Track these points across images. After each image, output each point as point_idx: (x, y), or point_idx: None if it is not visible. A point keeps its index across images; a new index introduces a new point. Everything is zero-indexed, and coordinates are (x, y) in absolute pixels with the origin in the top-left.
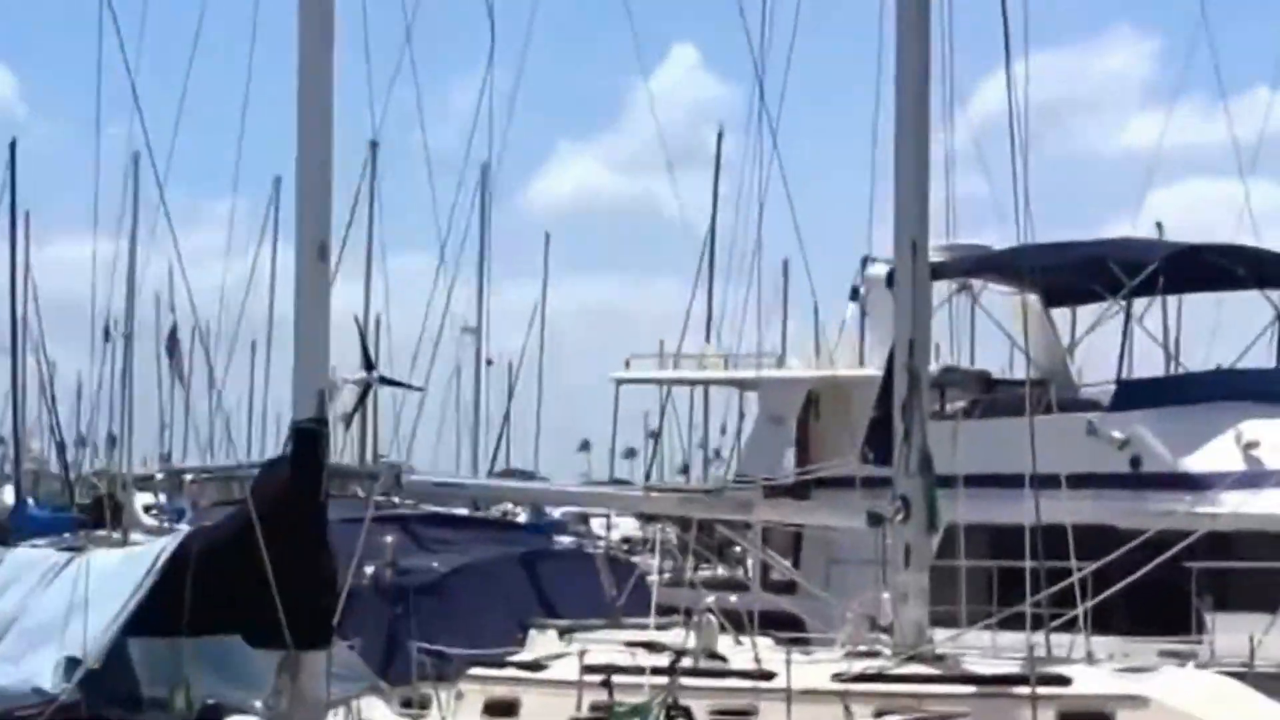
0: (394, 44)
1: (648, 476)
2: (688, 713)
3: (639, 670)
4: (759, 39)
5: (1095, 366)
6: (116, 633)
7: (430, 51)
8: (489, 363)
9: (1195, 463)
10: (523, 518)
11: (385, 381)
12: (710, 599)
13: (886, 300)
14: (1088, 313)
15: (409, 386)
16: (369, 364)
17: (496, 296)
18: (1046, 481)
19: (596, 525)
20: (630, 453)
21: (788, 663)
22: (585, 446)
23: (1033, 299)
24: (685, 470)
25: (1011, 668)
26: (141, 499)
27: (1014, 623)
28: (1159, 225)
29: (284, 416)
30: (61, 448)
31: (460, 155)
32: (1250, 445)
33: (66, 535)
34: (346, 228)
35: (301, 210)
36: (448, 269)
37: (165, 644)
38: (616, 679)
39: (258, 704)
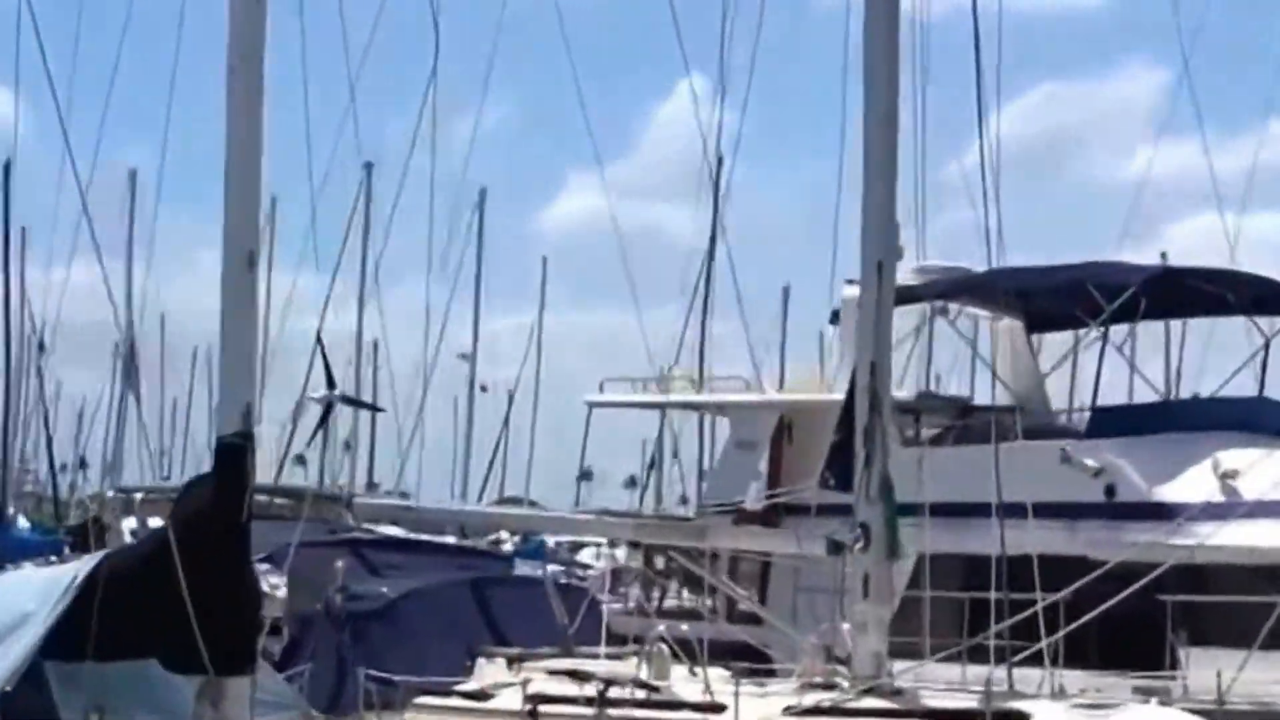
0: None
1: (641, 503)
2: None
3: (575, 701)
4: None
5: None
6: (29, 655)
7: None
8: (483, 389)
9: (1170, 492)
10: (508, 546)
11: (347, 401)
12: (661, 628)
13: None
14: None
15: (369, 407)
16: (330, 382)
17: (505, 323)
18: (1017, 510)
19: (588, 555)
20: (631, 482)
21: (735, 695)
22: (587, 476)
23: (1014, 324)
24: (684, 500)
25: (972, 702)
26: (128, 523)
27: (982, 655)
28: (1163, 255)
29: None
30: (53, 470)
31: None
32: (1228, 475)
33: (53, 558)
34: (341, 249)
35: (229, 218)
36: (443, 295)
37: (85, 668)
38: (550, 710)
39: None
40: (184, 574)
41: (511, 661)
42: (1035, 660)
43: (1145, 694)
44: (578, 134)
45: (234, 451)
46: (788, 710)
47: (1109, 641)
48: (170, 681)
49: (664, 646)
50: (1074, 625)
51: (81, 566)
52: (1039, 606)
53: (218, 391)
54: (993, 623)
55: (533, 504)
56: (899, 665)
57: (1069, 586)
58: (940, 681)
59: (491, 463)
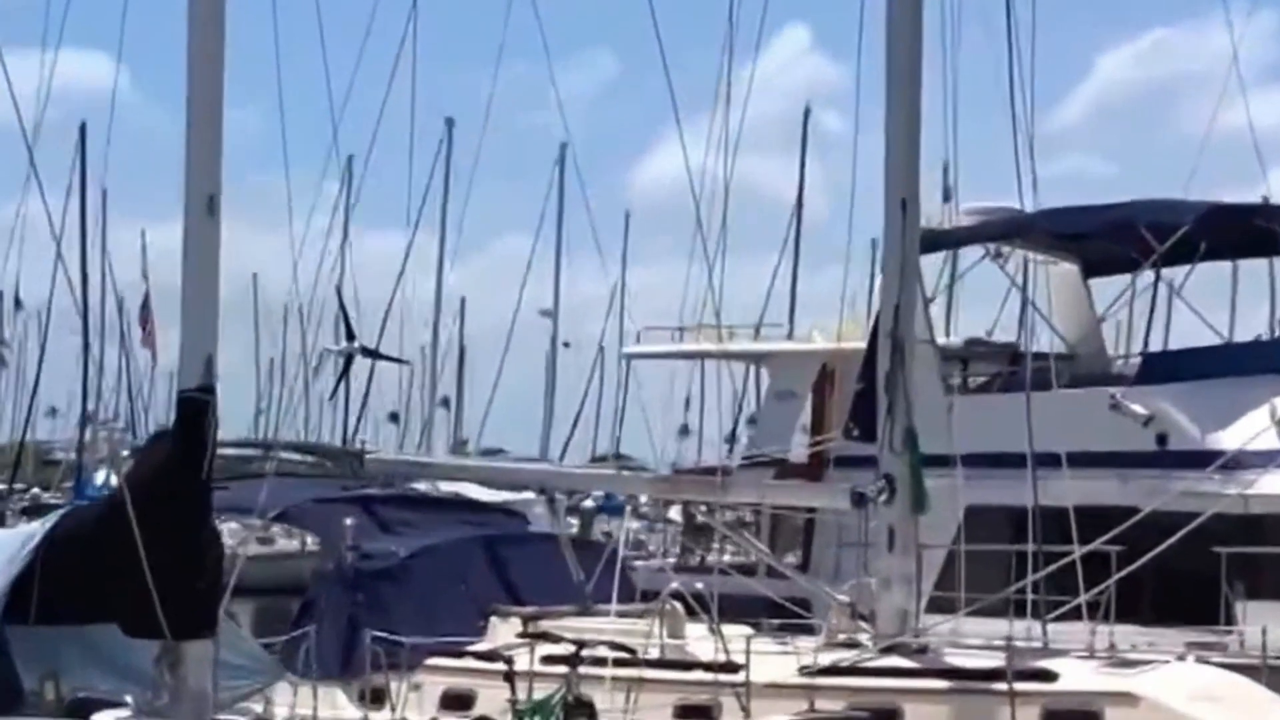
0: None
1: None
2: (590, 708)
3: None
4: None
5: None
6: None
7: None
8: (565, 345)
9: (1225, 439)
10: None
11: (367, 353)
12: (675, 584)
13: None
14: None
15: (393, 359)
16: (350, 334)
17: (602, 281)
18: (1068, 460)
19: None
20: (684, 430)
21: (746, 654)
22: (685, 431)
23: (1069, 268)
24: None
25: (998, 661)
26: None
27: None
28: (1264, 199)
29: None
30: (133, 427)
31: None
32: None
33: None
34: (420, 205)
35: (189, 161)
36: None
37: (42, 632)
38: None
39: (128, 698)
40: (140, 534)
41: (526, 621)
42: (1074, 615)
43: (1199, 649)
44: (676, 88)
45: (195, 406)
46: (804, 669)
47: (1163, 595)
48: (133, 645)
49: (678, 604)
50: (1112, 580)
51: (41, 527)
52: (1075, 556)
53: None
54: (1029, 576)
55: (627, 460)
56: (933, 621)
57: (1120, 538)
58: (984, 638)
59: (577, 420)
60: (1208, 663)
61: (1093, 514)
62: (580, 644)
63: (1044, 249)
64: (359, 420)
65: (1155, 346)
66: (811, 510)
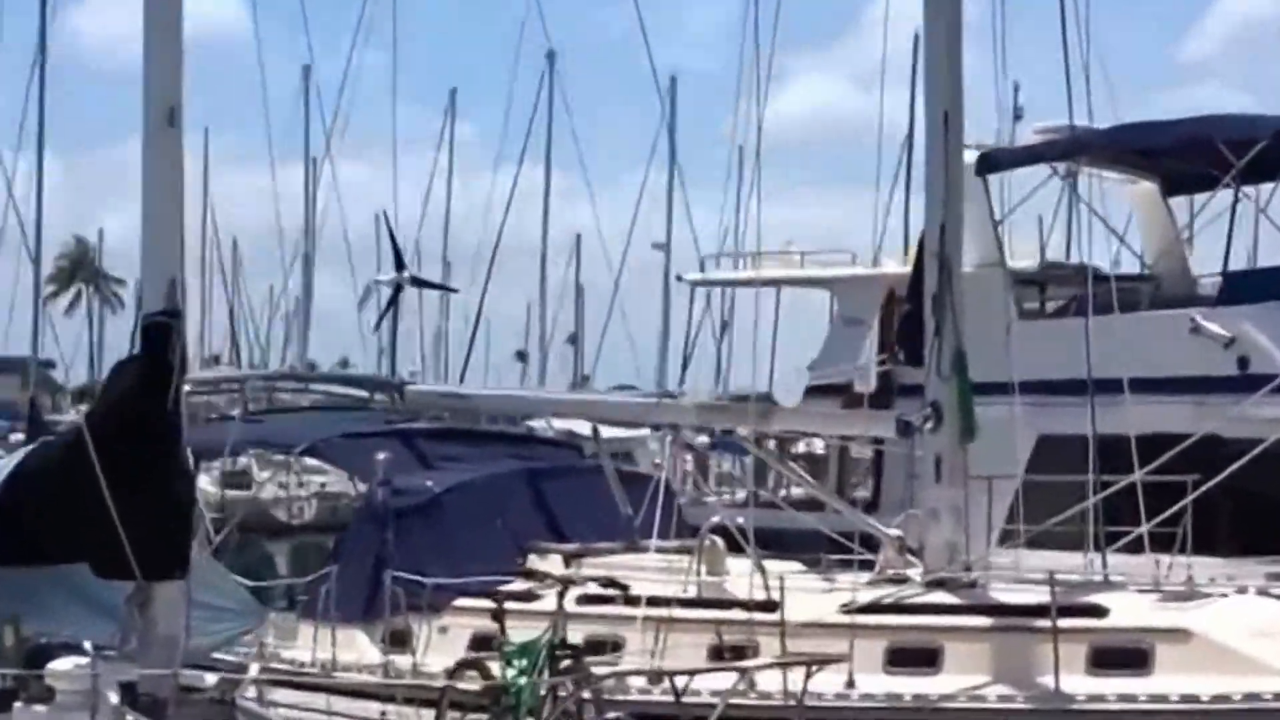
0: None
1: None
2: (576, 651)
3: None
4: None
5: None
6: None
7: None
8: (679, 278)
9: None
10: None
11: (417, 282)
12: (715, 519)
13: (976, 189)
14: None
15: (442, 288)
16: (399, 264)
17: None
18: (1142, 386)
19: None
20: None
21: (781, 590)
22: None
23: (1149, 187)
24: None
25: (1047, 595)
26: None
27: (1112, 543)
28: None
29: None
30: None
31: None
32: None
33: None
34: (525, 140)
35: (148, 70)
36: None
37: (12, 574)
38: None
39: (87, 644)
40: (104, 468)
41: (569, 559)
42: (1164, 546)
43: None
44: (798, 23)
45: (159, 331)
46: (844, 607)
47: (1243, 525)
48: (110, 588)
49: (718, 540)
50: (1177, 507)
51: (7, 463)
52: (1130, 481)
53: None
54: (1089, 505)
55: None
56: (985, 555)
57: (1201, 467)
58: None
59: (688, 356)
60: (1271, 595)
61: (1168, 442)
62: (567, 581)
63: (1118, 167)
64: (466, 358)
65: (1239, 266)
66: (879, 440)
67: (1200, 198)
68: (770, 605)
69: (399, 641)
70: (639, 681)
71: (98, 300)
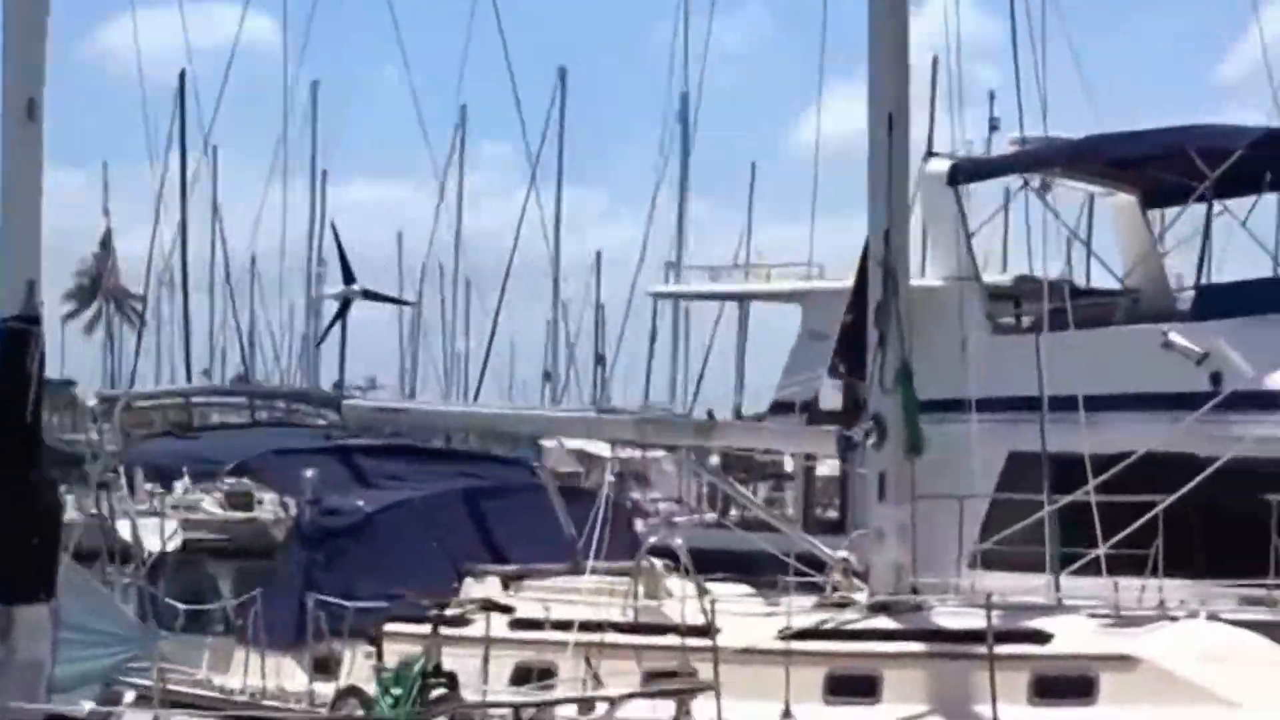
0: None
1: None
2: (452, 679)
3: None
4: None
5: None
6: None
7: None
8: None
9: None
10: None
11: (369, 295)
12: (652, 540)
13: (948, 200)
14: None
15: (394, 300)
16: (348, 276)
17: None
18: (1114, 402)
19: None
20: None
21: (709, 614)
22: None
23: (1127, 199)
24: None
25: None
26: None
27: (1084, 567)
28: None
29: None
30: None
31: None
32: None
33: None
34: (538, 153)
35: (7, 61)
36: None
37: None
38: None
39: None
40: None
41: (506, 581)
42: (1135, 568)
43: (1251, 604)
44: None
45: (15, 338)
46: (781, 633)
47: (1217, 547)
48: None
49: (656, 563)
50: (1129, 530)
51: None
52: (1073, 496)
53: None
54: (1048, 527)
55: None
56: (930, 579)
57: (1175, 486)
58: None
59: (701, 375)
60: (1223, 620)
61: (1142, 460)
62: (443, 607)
63: (1095, 179)
64: (480, 378)
65: (1220, 281)
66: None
67: (1183, 209)
68: (707, 631)
69: (325, 668)
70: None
71: (118, 318)
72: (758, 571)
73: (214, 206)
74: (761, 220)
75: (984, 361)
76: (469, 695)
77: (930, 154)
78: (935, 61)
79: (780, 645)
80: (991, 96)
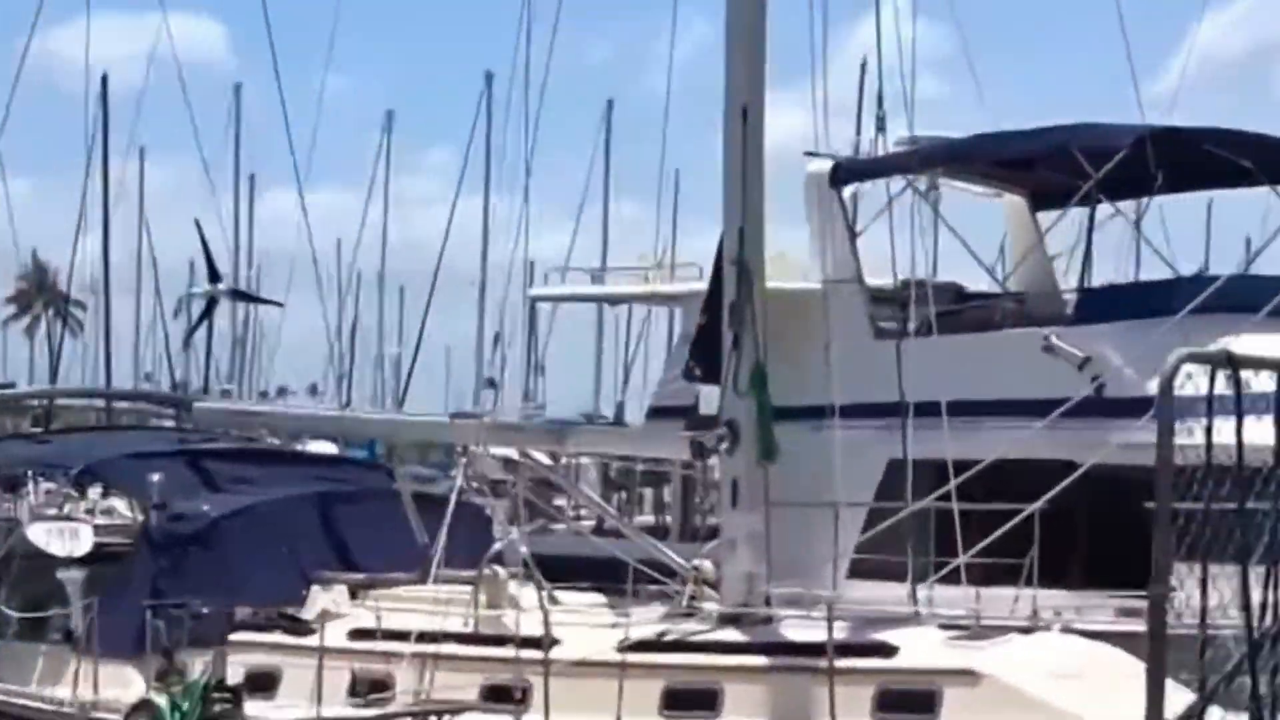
0: None
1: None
2: (236, 694)
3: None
4: None
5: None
6: None
7: None
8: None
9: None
10: None
11: (235, 295)
12: (498, 546)
13: (831, 201)
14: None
15: (262, 301)
16: (214, 275)
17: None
18: (992, 408)
19: None
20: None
21: (545, 625)
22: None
23: (1016, 201)
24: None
25: (839, 634)
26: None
27: (952, 575)
28: None
29: None
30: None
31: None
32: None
33: None
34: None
35: None
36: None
37: None
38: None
39: None
40: None
41: (354, 590)
42: (1014, 578)
43: (1127, 614)
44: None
45: None
46: (621, 645)
47: (1095, 557)
48: None
49: (500, 571)
50: (992, 537)
51: None
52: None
53: None
54: (911, 538)
55: None
56: (785, 589)
57: (1048, 494)
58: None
59: (627, 379)
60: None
61: (1020, 467)
62: (286, 616)
63: (984, 180)
64: (406, 384)
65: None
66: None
67: (1062, 213)
68: (533, 642)
69: (168, 678)
70: None
71: (59, 323)
72: (627, 580)
73: (140, 212)
74: (699, 226)
75: (865, 366)
76: (303, 706)
77: (810, 154)
78: (864, 66)
79: (616, 657)
80: (880, 99)
